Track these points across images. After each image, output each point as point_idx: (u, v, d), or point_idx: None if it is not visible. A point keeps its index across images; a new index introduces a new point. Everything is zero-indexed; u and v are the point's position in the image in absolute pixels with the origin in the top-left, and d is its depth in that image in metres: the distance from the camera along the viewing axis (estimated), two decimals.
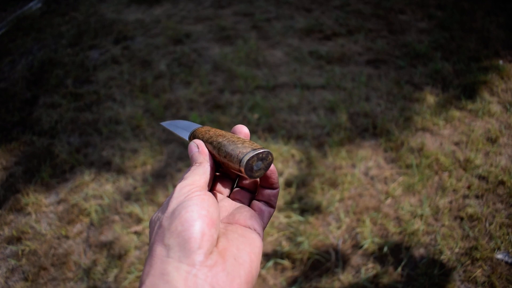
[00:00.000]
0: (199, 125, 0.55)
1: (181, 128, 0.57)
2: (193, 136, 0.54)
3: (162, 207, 0.41)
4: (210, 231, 0.37)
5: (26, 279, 1.67)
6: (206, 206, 0.38)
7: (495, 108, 2.31)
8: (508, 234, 1.65)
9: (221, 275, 0.35)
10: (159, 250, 0.36)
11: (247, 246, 0.40)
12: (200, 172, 0.44)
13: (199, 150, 0.48)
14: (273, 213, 0.52)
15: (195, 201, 0.38)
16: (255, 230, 0.44)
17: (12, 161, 2.26)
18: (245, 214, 0.45)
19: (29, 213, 1.95)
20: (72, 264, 1.71)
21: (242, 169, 0.43)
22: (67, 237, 1.83)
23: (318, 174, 2.00)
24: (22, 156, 2.28)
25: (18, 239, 1.83)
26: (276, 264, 1.64)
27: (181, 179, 0.44)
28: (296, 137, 2.23)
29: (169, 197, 0.42)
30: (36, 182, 2.10)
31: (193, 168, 0.46)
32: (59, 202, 2.00)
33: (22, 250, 1.78)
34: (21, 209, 1.98)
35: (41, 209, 1.97)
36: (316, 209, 1.84)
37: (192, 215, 0.36)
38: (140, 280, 0.35)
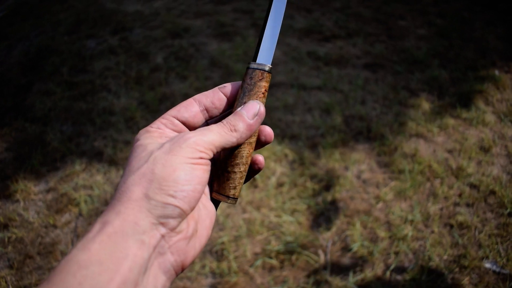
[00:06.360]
0: (267, 67, 0.44)
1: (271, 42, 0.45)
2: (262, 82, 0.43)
3: (163, 143, 0.38)
4: (194, 205, 0.37)
5: (11, 267, 1.65)
6: (204, 182, 0.38)
7: (490, 117, 2.33)
8: (497, 243, 1.66)
9: (182, 243, 0.37)
10: (140, 197, 0.35)
11: (207, 219, 0.42)
12: (226, 138, 0.40)
13: (253, 122, 0.43)
14: None
15: (199, 173, 0.37)
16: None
17: (2, 146, 2.23)
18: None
19: (17, 200, 1.93)
20: (58, 253, 1.69)
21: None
22: (54, 226, 1.81)
23: (310, 175, 2.00)
24: (13, 142, 2.25)
25: (5, 226, 1.81)
26: (264, 263, 1.64)
27: (204, 127, 0.40)
28: (290, 136, 2.23)
29: (178, 136, 0.39)
30: (26, 169, 2.08)
31: (225, 129, 0.41)
32: (48, 191, 1.98)
33: (9, 237, 1.76)
34: (10, 195, 1.95)
35: (30, 197, 1.94)
36: (307, 210, 1.83)
37: (189, 187, 0.36)
38: (106, 217, 0.34)
